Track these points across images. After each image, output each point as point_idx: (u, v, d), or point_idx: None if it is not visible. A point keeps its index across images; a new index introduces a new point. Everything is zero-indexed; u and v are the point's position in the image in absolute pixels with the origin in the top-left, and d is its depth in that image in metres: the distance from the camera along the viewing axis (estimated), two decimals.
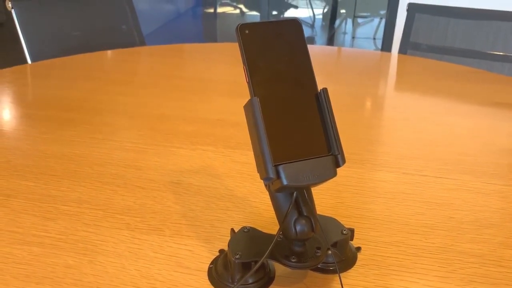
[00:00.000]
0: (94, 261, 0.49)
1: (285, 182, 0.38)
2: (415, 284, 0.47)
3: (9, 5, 1.22)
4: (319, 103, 0.41)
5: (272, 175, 0.38)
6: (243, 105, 0.40)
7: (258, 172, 0.40)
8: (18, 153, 0.71)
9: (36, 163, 0.68)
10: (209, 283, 0.46)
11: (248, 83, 0.40)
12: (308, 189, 0.42)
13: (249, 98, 0.39)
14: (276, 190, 0.40)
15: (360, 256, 0.50)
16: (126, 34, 1.51)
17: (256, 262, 0.42)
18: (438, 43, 1.32)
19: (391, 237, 0.53)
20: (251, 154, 0.38)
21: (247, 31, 0.40)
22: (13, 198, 0.59)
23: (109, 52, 1.30)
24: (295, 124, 0.40)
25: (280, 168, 0.38)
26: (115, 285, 0.45)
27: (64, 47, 1.36)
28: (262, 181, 0.39)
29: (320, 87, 0.41)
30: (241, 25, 0.40)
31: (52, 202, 0.58)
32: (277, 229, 0.42)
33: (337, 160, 0.40)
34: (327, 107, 0.40)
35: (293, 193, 0.41)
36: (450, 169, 0.68)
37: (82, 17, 1.44)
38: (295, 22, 0.42)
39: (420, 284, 0.47)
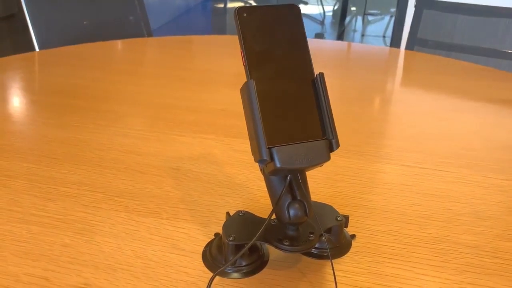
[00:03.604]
0: (91, 240, 0.49)
1: (278, 164, 0.38)
2: (408, 272, 0.47)
3: None
4: (315, 88, 0.41)
5: (265, 157, 0.38)
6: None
7: (252, 154, 0.40)
8: (22, 137, 0.72)
9: (38, 147, 0.69)
10: (203, 265, 0.46)
11: (244, 66, 0.40)
12: (302, 173, 0.42)
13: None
14: (270, 173, 0.41)
15: (354, 243, 0.50)
16: (133, 26, 1.51)
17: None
18: (446, 39, 1.31)
19: (387, 226, 0.53)
20: None
21: (245, 15, 0.41)
22: (14, 179, 0.60)
23: (116, 42, 1.31)
24: (290, 108, 0.40)
25: (274, 151, 0.38)
26: (109, 264, 0.46)
27: (72, 36, 1.37)
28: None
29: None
30: (239, 8, 0.41)
31: (53, 183, 0.59)
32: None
33: (331, 144, 0.40)
34: (323, 92, 0.40)
35: (287, 176, 0.41)
36: (451, 162, 0.68)
37: (90, 8, 1.45)
38: (294, 7, 0.42)
39: (413, 272, 0.47)
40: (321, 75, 0.41)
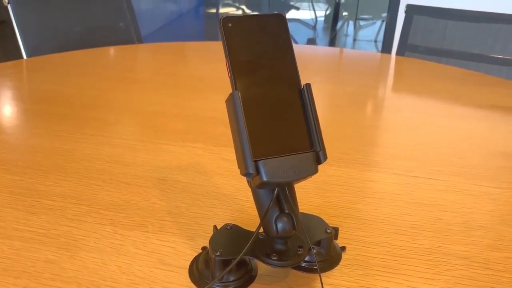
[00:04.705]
0: (75, 256, 0.48)
1: (264, 178, 0.37)
2: (399, 285, 0.46)
3: (5, 0, 1.22)
4: (302, 99, 0.40)
5: (251, 170, 0.37)
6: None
7: (238, 167, 0.39)
8: (7, 147, 0.70)
9: (24, 157, 0.67)
10: (189, 280, 0.45)
11: (230, 77, 0.39)
12: (290, 186, 0.41)
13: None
14: (257, 186, 0.40)
15: (345, 256, 0.49)
16: (123, 32, 1.50)
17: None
18: (436, 45, 1.32)
19: (378, 237, 0.53)
20: None
21: (230, 24, 0.40)
22: None
23: (105, 48, 1.30)
24: (277, 120, 0.39)
25: (260, 164, 0.37)
26: (93, 281, 0.45)
27: (60, 43, 1.35)
28: None
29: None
30: (224, 18, 0.40)
31: (37, 196, 0.58)
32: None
33: (319, 156, 0.39)
34: (310, 103, 0.40)
35: (274, 189, 0.40)
36: (441, 170, 0.68)
37: (79, 14, 1.43)
38: (280, 17, 0.41)
39: (404, 285, 0.46)
40: (308, 85, 0.40)
